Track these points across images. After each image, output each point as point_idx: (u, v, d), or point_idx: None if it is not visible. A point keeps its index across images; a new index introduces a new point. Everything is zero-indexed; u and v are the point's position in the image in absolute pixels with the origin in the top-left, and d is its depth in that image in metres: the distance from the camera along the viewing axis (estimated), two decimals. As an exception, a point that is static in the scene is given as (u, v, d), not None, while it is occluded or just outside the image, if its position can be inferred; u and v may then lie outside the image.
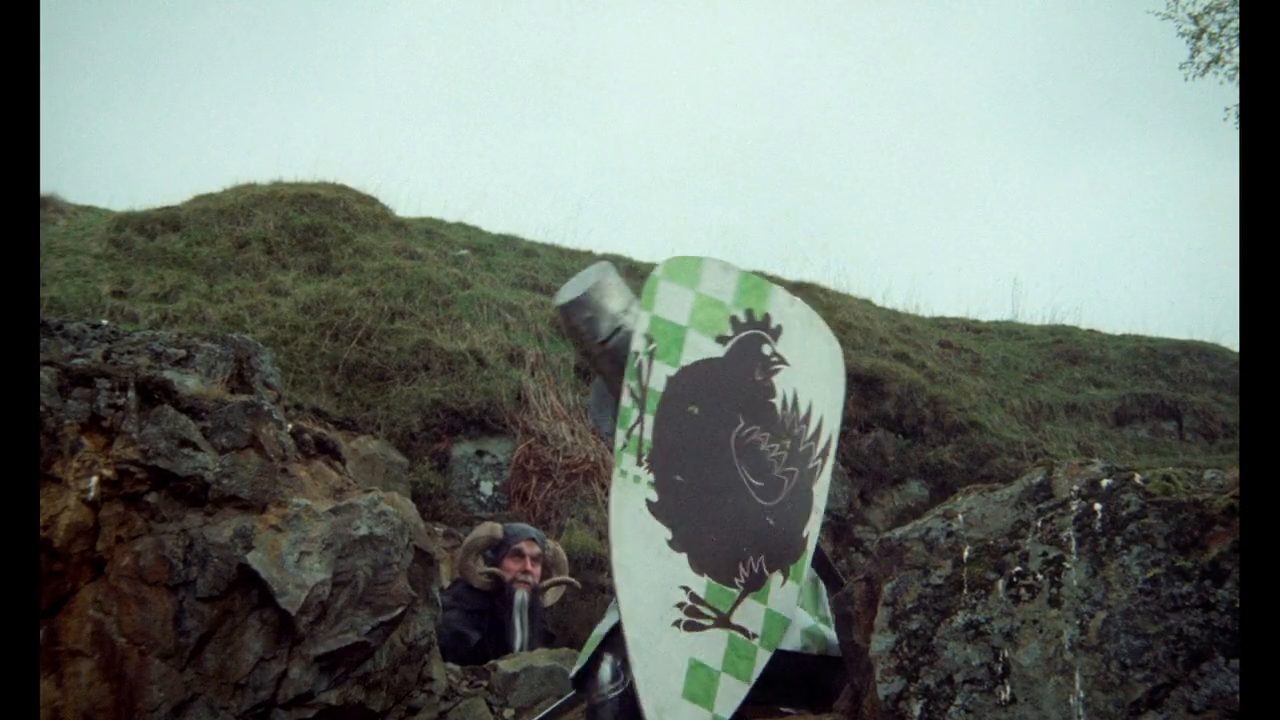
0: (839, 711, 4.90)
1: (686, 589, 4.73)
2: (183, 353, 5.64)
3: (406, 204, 13.89)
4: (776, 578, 5.00)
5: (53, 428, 5.04)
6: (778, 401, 4.97)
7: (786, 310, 5.09)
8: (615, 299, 5.14)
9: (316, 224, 11.51)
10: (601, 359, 5.08)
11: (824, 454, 5.07)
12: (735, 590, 4.86)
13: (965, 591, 4.55)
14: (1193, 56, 15.31)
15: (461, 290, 10.61)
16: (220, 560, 5.02)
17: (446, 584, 7.02)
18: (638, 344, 4.78)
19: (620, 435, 4.66)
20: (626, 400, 4.72)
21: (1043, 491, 4.68)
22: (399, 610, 5.28)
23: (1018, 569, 4.50)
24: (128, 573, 4.95)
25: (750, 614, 4.88)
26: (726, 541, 4.86)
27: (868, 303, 13.19)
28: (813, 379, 5.08)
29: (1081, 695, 4.20)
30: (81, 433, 5.09)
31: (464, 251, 12.15)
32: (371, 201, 12.62)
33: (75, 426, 5.09)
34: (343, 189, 12.64)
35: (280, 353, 8.42)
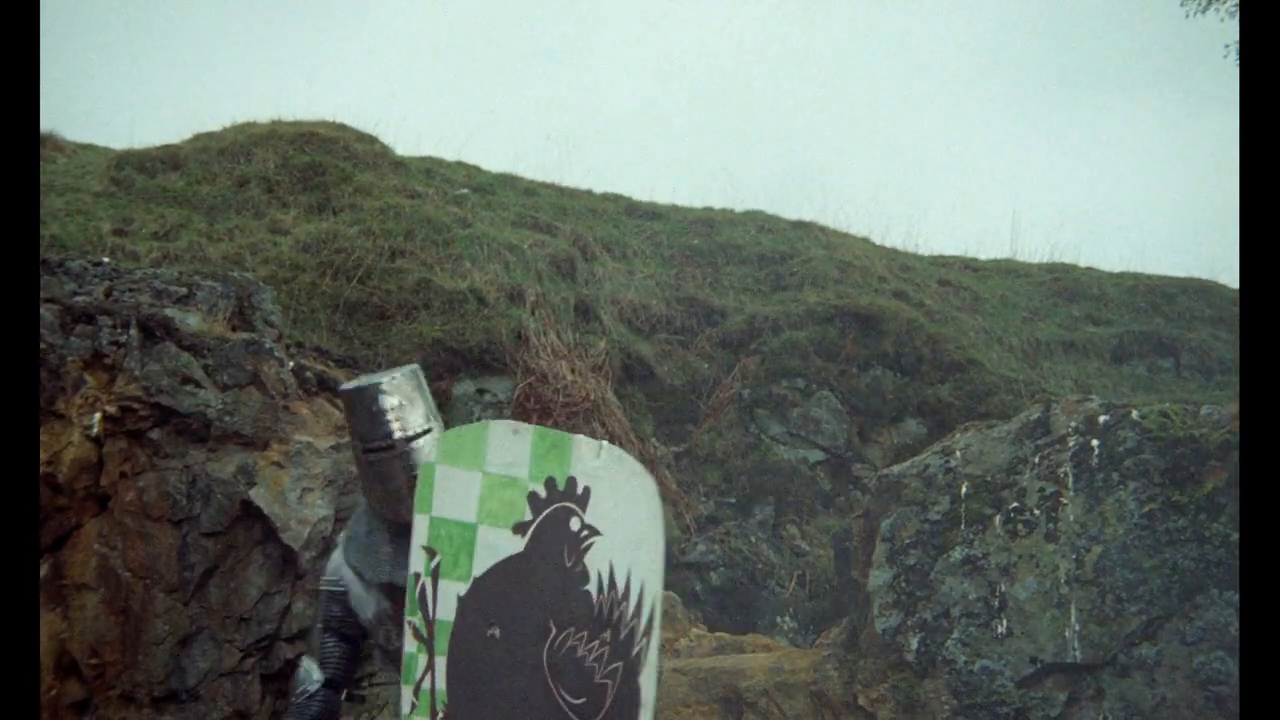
0: (836, 645, 4.95)
1: None
2: (184, 291, 5.64)
3: (405, 142, 13.84)
4: None
5: (55, 365, 5.06)
6: (593, 587, 4.21)
7: (593, 465, 4.31)
8: (422, 402, 4.46)
9: (316, 163, 11.45)
10: (390, 463, 4.28)
11: (648, 632, 4.24)
12: None
13: (963, 527, 4.59)
14: (1195, -8, 15.14)
15: (461, 229, 10.58)
16: (223, 496, 5.05)
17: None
18: (417, 562, 3.99)
19: (406, 694, 3.88)
20: (410, 645, 3.93)
21: (1040, 428, 4.70)
22: (401, 546, 5.32)
23: (1015, 504, 4.54)
24: (132, 508, 4.99)
25: None
26: None
27: (866, 241, 13.15)
28: (630, 541, 4.33)
29: (1077, 628, 4.24)
30: (84, 369, 5.11)
31: (464, 190, 12.10)
32: (371, 140, 12.56)
33: (78, 363, 5.11)
34: (342, 128, 12.57)
35: (281, 291, 8.40)
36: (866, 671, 4.58)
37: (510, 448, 4.17)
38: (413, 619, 3.92)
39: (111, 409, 5.05)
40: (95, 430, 5.01)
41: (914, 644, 4.48)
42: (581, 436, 4.27)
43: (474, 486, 4.09)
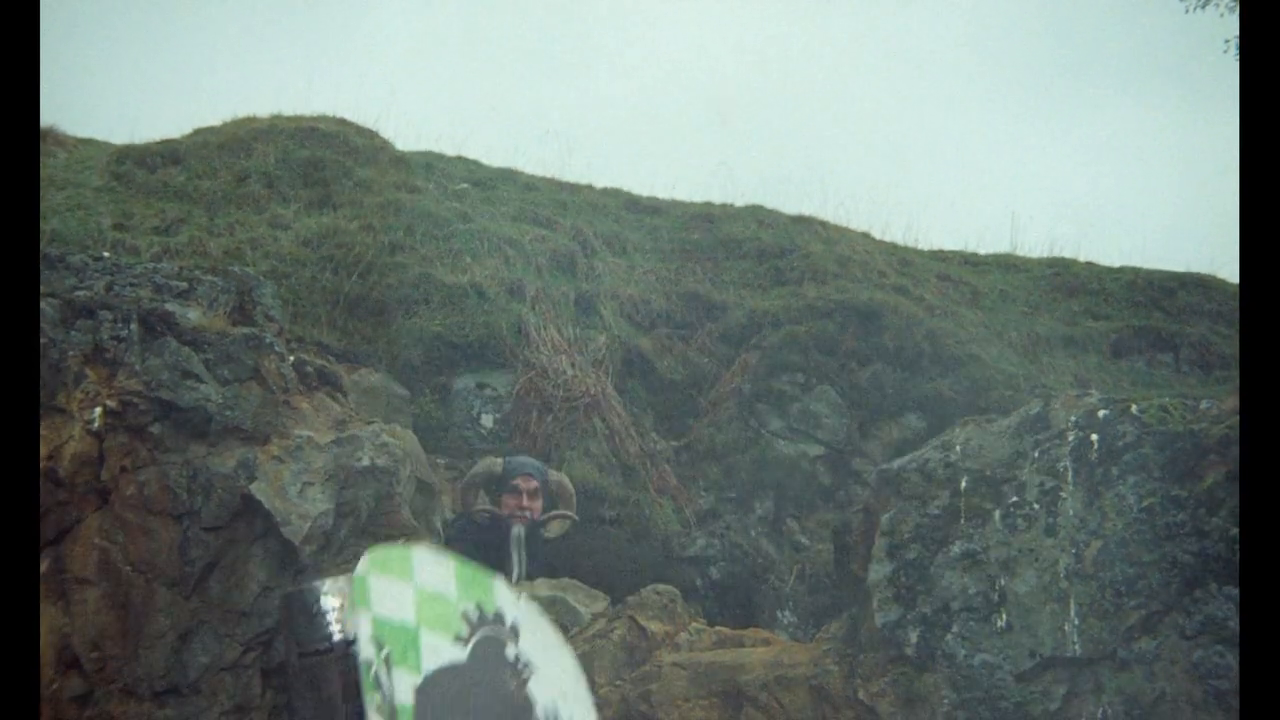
0: (836, 640, 4.95)
1: None
2: (184, 285, 5.64)
3: (405, 137, 13.84)
4: None
5: (56, 359, 5.07)
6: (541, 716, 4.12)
7: (517, 606, 4.27)
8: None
9: (317, 157, 11.45)
10: (327, 668, 4.08)
11: None
12: None
13: (962, 521, 4.60)
14: (1193, -12, 15.11)
15: (462, 224, 10.57)
16: (224, 490, 5.06)
17: (449, 515, 7.07)
18: (367, 650, 3.82)
19: None
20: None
21: (1040, 422, 4.71)
22: (401, 540, 5.32)
23: (1014, 499, 4.55)
24: (133, 502, 4.99)
25: None
26: None
27: (866, 236, 13.14)
28: (565, 690, 4.26)
29: (1076, 622, 4.25)
30: (85, 364, 5.12)
31: (464, 185, 12.10)
32: (371, 135, 12.55)
33: (78, 358, 5.12)
34: (343, 122, 12.56)
35: (281, 286, 8.40)
36: (866, 665, 4.59)
37: (435, 570, 4.10)
38: (374, 696, 3.76)
39: (112, 403, 5.05)
40: (96, 425, 5.02)
41: (913, 638, 4.48)
42: (499, 580, 4.29)
43: (408, 594, 3.98)
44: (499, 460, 7.22)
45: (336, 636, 4.03)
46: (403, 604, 3.97)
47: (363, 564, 4.01)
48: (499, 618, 4.17)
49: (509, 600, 4.25)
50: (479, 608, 4.13)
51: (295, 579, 5.02)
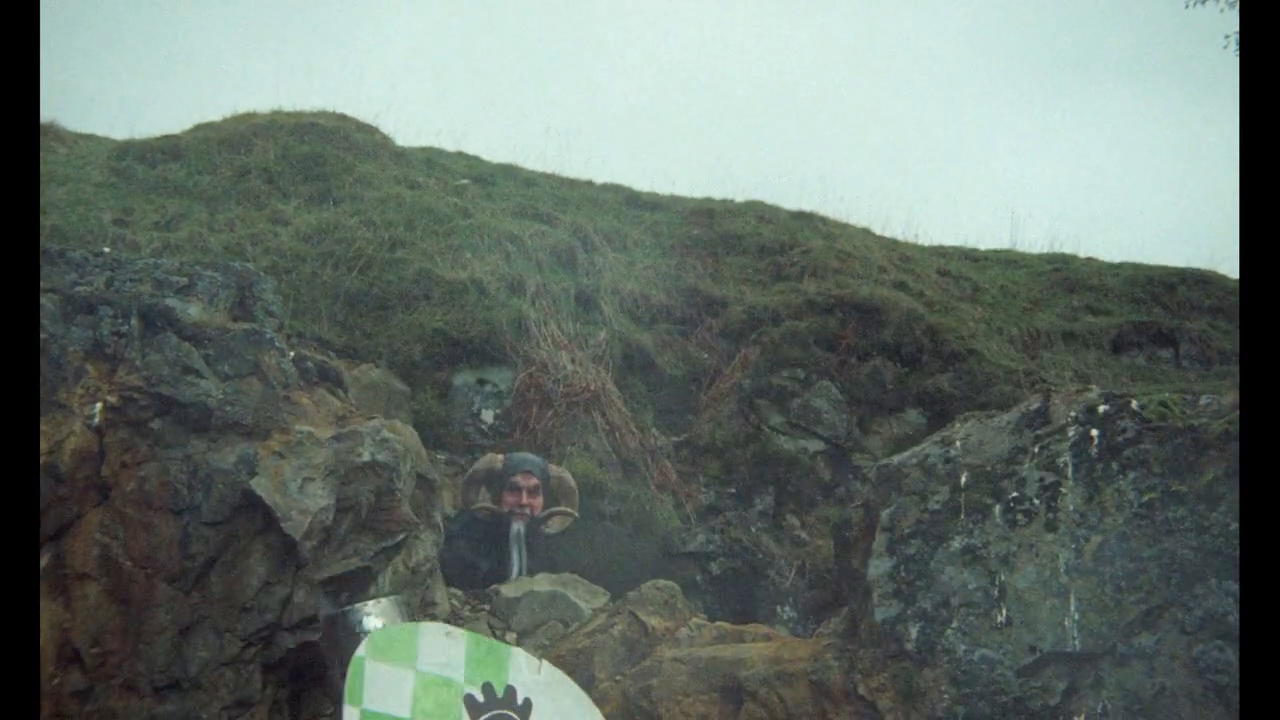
0: (836, 635, 4.96)
1: None
2: (185, 281, 5.64)
3: (406, 133, 13.81)
4: None
5: (56, 355, 5.07)
6: None
7: (533, 679, 4.13)
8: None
9: (317, 153, 11.45)
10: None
11: None
12: None
13: (962, 516, 4.60)
14: (1193, -16, 15.08)
15: (462, 220, 10.57)
16: (224, 486, 5.06)
17: (449, 511, 7.07)
18: None
19: None
20: None
21: (1040, 418, 4.71)
22: (401, 535, 5.33)
23: (1015, 494, 4.55)
24: (133, 497, 4.99)
25: None
26: None
27: (867, 231, 13.14)
28: None
29: (1076, 617, 4.25)
30: (85, 359, 5.12)
31: (464, 181, 12.09)
32: (371, 130, 12.55)
33: (79, 353, 5.12)
34: (343, 118, 12.56)
35: (282, 281, 8.40)
36: (866, 660, 4.59)
37: (443, 649, 4.02)
38: None
39: (113, 399, 5.06)
40: (96, 420, 5.02)
41: (914, 633, 4.49)
42: (519, 650, 4.21)
43: (406, 683, 3.89)
44: (500, 457, 7.23)
45: None
46: (399, 695, 3.88)
47: (364, 646, 3.96)
48: (509, 696, 4.06)
49: (525, 671, 4.14)
50: (487, 689, 4.03)
51: (296, 574, 5.02)
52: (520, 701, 4.05)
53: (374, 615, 4.28)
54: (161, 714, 4.80)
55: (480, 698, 4.00)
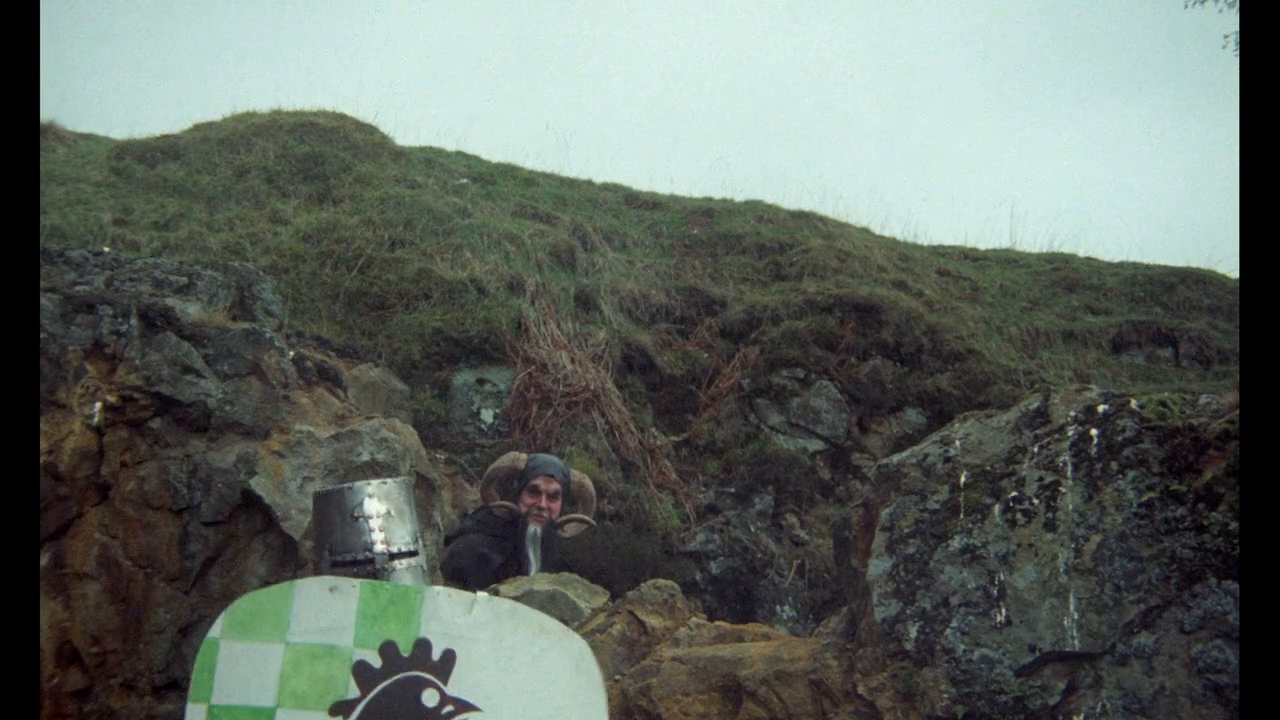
0: (836, 634, 4.96)
1: None
2: (184, 280, 5.64)
3: (405, 132, 13.85)
4: None
5: (56, 354, 5.07)
6: None
7: (460, 622, 3.37)
8: (411, 518, 3.81)
9: (316, 153, 11.48)
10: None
11: None
12: None
13: (962, 516, 4.59)
14: (1193, -16, 15.10)
15: (461, 219, 10.60)
16: (224, 485, 5.06)
17: (449, 510, 7.08)
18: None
19: None
20: None
21: (1039, 417, 4.71)
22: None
23: (1014, 494, 4.54)
24: (133, 497, 4.99)
25: None
26: None
27: (866, 231, 13.18)
28: (545, 707, 3.42)
29: (1076, 617, 4.25)
30: (85, 359, 5.12)
31: (464, 181, 12.12)
32: (371, 130, 12.59)
33: (78, 353, 5.12)
34: (342, 117, 12.60)
35: (281, 281, 8.42)
36: (865, 660, 4.59)
37: (326, 610, 3.35)
38: None
39: (112, 398, 5.06)
40: (96, 419, 5.02)
41: (913, 633, 4.48)
42: (441, 590, 3.42)
43: (272, 662, 3.30)
44: (522, 456, 7.23)
45: (378, 547, 3.65)
46: (260, 679, 3.31)
47: (218, 625, 3.38)
48: (420, 653, 3.36)
49: (447, 617, 3.39)
50: (387, 649, 3.35)
51: (295, 574, 5.02)
52: (437, 656, 3.34)
53: (376, 497, 3.74)
54: (161, 714, 4.80)
55: (377, 662, 3.32)
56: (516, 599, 5.76)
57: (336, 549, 3.67)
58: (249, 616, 3.36)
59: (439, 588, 3.44)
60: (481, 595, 3.46)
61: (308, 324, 8.33)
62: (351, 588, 3.37)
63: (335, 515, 3.74)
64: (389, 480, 3.91)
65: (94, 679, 4.83)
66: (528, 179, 12.99)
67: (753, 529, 8.50)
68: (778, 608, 7.99)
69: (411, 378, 8.59)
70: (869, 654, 4.61)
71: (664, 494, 8.57)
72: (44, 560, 4.86)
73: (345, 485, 3.78)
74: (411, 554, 3.70)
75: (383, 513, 3.77)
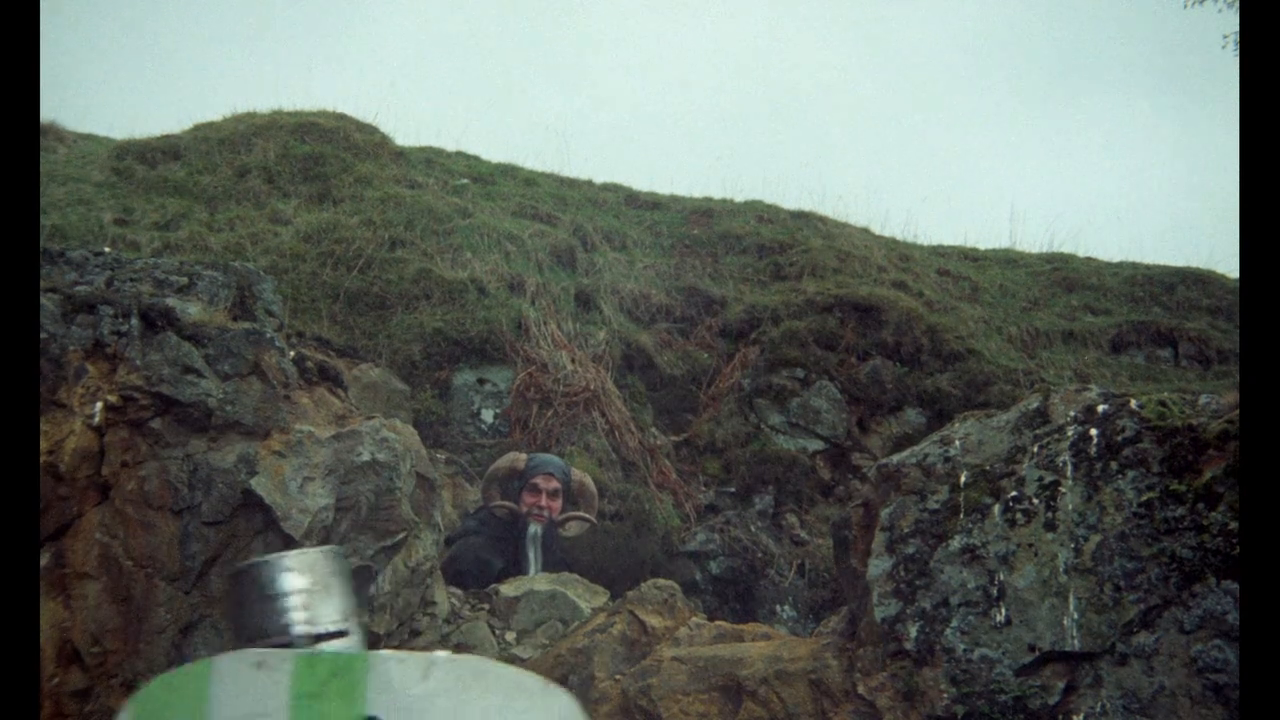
0: (835, 634, 4.96)
1: None
2: (185, 280, 5.65)
3: (405, 132, 13.85)
4: None
5: (56, 354, 5.07)
6: None
7: (416, 691, 2.78)
8: (339, 593, 3.16)
9: (317, 153, 11.48)
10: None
11: None
12: None
13: (962, 516, 4.60)
14: (1192, -16, 15.09)
15: (462, 219, 10.59)
16: (224, 485, 5.06)
17: (449, 510, 7.08)
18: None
19: None
20: None
21: (1039, 417, 4.71)
22: (401, 535, 5.33)
23: (1014, 493, 4.54)
24: (133, 497, 4.99)
25: None
26: None
27: (866, 231, 13.17)
28: None
29: (1075, 616, 4.25)
30: (85, 359, 5.12)
31: (464, 181, 12.12)
32: (371, 130, 12.59)
33: (79, 353, 5.12)
34: (343, 118, 12.60)
35: (282, 281, 8.43)
36: (865, 660, 4.59)
37: (252, 691, 2.78)
38: None
39: (113, 398, 5.06)
40: (97, 420, 5.02)
41: (913, 632, 4.48)
42: (391, 653, 2.91)
43: None
44: (522, 456, 7.24)
45: (298, 629, 3.11)
46: None
47: (126, 711, 2.83)
48: None
49: (404, 683, 2.82)
50: None
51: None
52: None
53: (296, 571, 3.18)
54: (162, 713, 4.80)
55: None
56: (516, 599, 5.77)
57: (249, 633, 3.11)
58: (160, 706, 2.81)
59: (386, 652, 2.92)
60: (441, 656, 2.91)
61: (308, 324, 8.33)
62: (282, 662, 2.82)
63: (249, 594, 3.18)
64: (311, 550, 3.37)
65: (95, 679, 4.83)
66: (528, 179, 12.99)
67: (753, 529, 8.50)
68: (778, 607, 8.00)
69: (412, 378, 8.59)
70: (869, 654, 4.61)
71: (664, 494, 8.57)
72: (44, 560, 4.86)
73: (259, 560, 3.23)
74: (340, 634, 3.12)
75: (303, 587, 3.19)
